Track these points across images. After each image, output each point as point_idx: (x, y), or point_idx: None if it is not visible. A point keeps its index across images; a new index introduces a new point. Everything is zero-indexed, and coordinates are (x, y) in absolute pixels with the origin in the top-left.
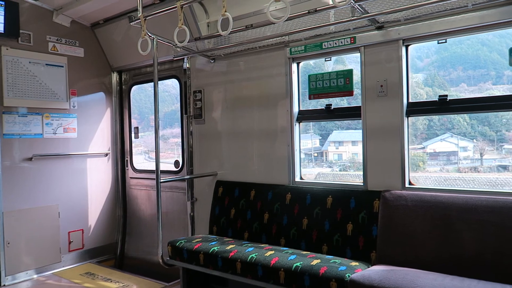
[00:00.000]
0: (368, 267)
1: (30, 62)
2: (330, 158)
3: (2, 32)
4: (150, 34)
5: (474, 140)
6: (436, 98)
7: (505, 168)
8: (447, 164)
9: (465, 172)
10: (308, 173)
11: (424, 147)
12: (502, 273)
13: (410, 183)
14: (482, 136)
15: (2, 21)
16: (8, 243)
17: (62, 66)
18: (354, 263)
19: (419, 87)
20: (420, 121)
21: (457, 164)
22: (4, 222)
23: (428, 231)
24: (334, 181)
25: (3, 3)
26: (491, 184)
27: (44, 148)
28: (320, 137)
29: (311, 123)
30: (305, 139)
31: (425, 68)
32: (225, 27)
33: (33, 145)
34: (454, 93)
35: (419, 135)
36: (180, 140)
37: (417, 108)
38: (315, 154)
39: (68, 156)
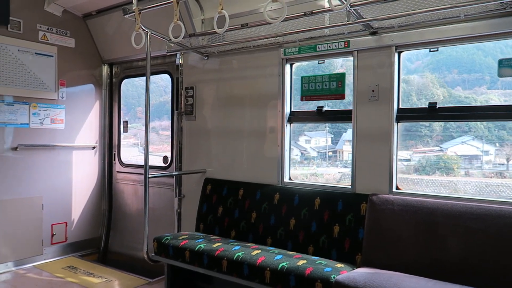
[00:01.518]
0: (353, 269)
1: (19, 50)
2: (345, 157)
3: None
4: (144, 28)
5: (497, 144)
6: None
7: None
8: (471, 168)
9: (491, 177)
10: (326, 173)
11: (442, 150)
12: (485, 279)
13: (397, 188)
14: (500, 141)
15: None
16: None
17: (52, 56)
18: (339, 265)
19: (435, 87)
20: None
21: (481, 169)
22: None
23: (413, 236)
24: (323, 183)
25: None
26: None
27: (30, 139)
28: (332, 135)
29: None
30: (319, 136)
31: (417, 70)
32: (221, 25)
33: (18, 134)
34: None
35: (434, 136)
36: (169, 133)
37: (407, 114)
38: (330, 153)
39: (54, 148)
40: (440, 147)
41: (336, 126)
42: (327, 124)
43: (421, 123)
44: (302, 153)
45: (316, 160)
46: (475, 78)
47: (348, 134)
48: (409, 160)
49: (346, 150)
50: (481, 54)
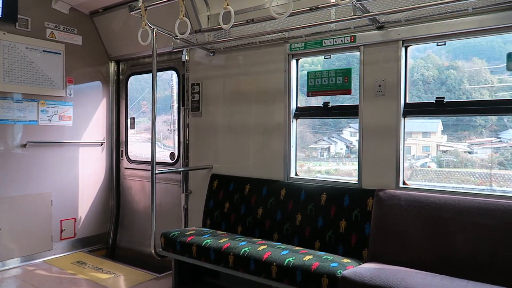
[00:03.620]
0: (360, 264)
1: (27, 48)
2: None
3: (0, 16)
4: (150, 25)
5: None
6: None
7: None
8: None
9: None
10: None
11: (502, 140)
12: (493, 274)
13: (404, 183)
14: None
15: (0, 5)
16: (0, 229)
17: (60, 53)
18: (346, 260)
19: (486, 73)
20: None
21: None
22: None
23: (420, 231)
24: (329, 178)
25: None
26: None
27: (38, 135)
28: None
29: None
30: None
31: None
32: (226, 21)
33: (27, 131)
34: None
35: (488, 126)
36: (175, 128)
37: (414, 109)
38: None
39: (62, 144)
40: (499, 138)
41: None
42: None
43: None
44: (347, 147)
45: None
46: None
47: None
48: (471, 152)
49: None
50: (500, 41)
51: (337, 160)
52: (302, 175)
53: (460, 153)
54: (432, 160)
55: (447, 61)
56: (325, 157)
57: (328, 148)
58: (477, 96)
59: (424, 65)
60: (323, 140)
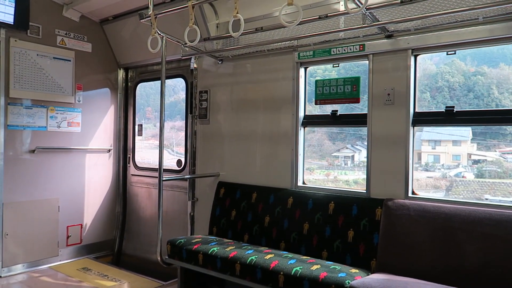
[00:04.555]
0: (368, 274)
1: (37, 55)
2: (423, 159)
3: (12, 23)
4: (160, 32)
5: None
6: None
7: None
8: None
9: None
10: (421, 177)
11: None
12: (506, 287)
13: (413, 193)
14: None
15: (13, 12)
16: (7, 234)
17: (70, 60)
18: (354, 270)
19: None
20: None
21: None
22: (4, 213)
23: (429, 242)
24: (337, 187)
25: None
26: None
27: (47, 141)
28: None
29: None
30: None
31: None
32: (236, 29)
33: (36, 137)
34: None
35: None
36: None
37: (424, 118)
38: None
39: (70, 150)
40: None
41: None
42: None
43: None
44: None
45: None
46: None
47: (427, 133)
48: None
49: (425, 151)
50: None
51: (362, 169)
52: (309, 184)
53: (502, 162)
54: (467, 170)
55: (472, 66)
56: (349, 166)
57: (352, 157)
58: (507, 104)
59: (449, 71)
60: (347, 148)
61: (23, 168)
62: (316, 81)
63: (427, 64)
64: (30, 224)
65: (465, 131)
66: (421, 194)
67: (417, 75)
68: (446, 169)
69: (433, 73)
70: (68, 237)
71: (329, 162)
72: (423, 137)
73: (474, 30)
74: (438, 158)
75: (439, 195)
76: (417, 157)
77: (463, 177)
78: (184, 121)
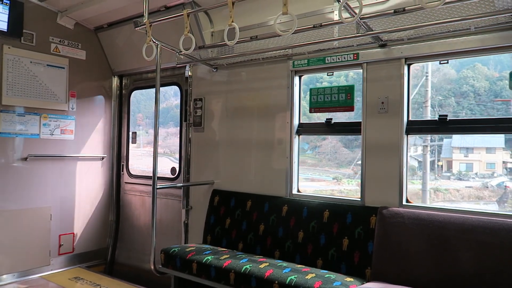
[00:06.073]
0: (363, 283)
1: (31, 62)
2: (455, 168)
3: (5, 31)
4: (154, 40)
5: None
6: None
7: None
8: None
9: None
10: (451, 187)
11: None
12: None
13: (407, 201)
14: None
15: (6, 19)
16: None
17: (63, 68)
18: (348, 279)
19: None
20: None
21: None
22: None
23: (424, 250)
24: (331, 195)
25: (8, 2)
26: None
27: (40, 149)
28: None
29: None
30: (417, 143)
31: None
32: (231, 37)
33: (29, 145)
34: None
35: None
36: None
37: (417, 127)
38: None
39: (63, 158)
40: None
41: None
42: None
43: None
44: None
45: (418, 171)
46: None
47: (458, 141)
48: None
49: (457, 159)
50: None
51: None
52: (306, 192)
53: None
54: (509, 179)
55: (495, 71)
56: None
57: None
58: None
59: (473, 75)
60: None
61: (15, 176)
62: (311, 89)
63: (446, 69)
64: (21, 232)
65: (498, 138)
66: (415, 202)
67: (410, 83)
68: (481, 178)
69: (455, 78)
70: (60, 246)
71: (354, 170)
72: (454, 144)
73: (466, 40)
74: (471, 167)
75: (492, 208)
76: (447, 165)
77: (506, 186)
78: (178, 128)
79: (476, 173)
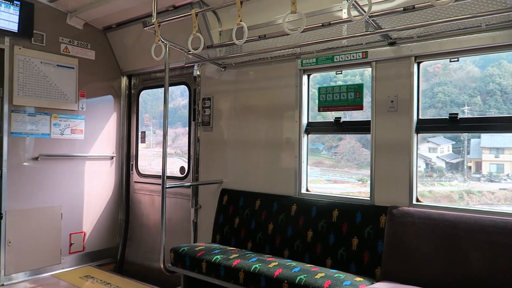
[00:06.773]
0: (373, 283)
1: (41, 62)
2: (484, 169)
3: (16, 31)
4: (163, 40)
5: None
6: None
7: None
8: None
9: None
10: (485, 190)
11: None
12: None
13: (417, 200)
14: None
15: (17, 20)
16: (9, 242)
17: (73, 68)
18: (358, 279)
19: None
20: None
21: None
22: (7, 221)
23: (434, 250)
24: (341, 194)
25: (18, 3)
26: None
27: (50, 148)
28: (454, 142)
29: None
30: (446, 143)
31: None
32: (239, 36)
33: (39, 144)
34: None
35: None
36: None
37: (427, 125)
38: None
39: (73, 158)
40: None
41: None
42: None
43: None
44: (427, 164)
45: (446, 172)
46: None
47: (487, 140)
48: None
49: (487, 160)
50: None
51: (436, 179)
52: (314, 191)
53: None
54: None
55: None
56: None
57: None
58: None
59: (499, 73)
60: None
61: (26, 176)
62: (319, 88)
63: (470, 67)
64: (33, 232)
65: None
66: (425, 201)
67: (420, 81)
68: None
69: (482, 75)
70: (71, 244)
71: None
72: (483, 143)
73: (476, 38)
74: (502, 168)
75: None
76: (476, 166)
77: None
78: (186, 128)
79: (507, 175)
